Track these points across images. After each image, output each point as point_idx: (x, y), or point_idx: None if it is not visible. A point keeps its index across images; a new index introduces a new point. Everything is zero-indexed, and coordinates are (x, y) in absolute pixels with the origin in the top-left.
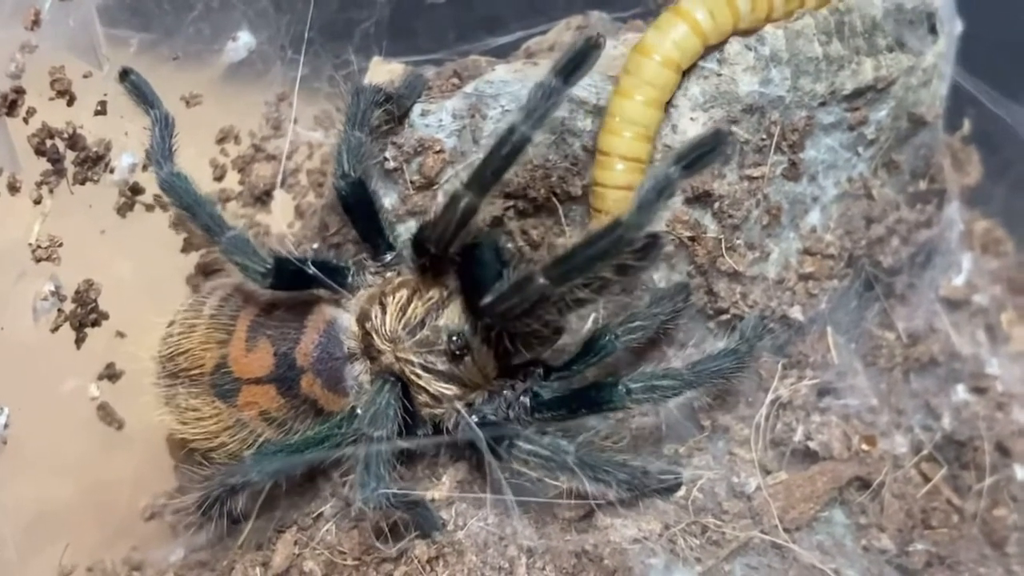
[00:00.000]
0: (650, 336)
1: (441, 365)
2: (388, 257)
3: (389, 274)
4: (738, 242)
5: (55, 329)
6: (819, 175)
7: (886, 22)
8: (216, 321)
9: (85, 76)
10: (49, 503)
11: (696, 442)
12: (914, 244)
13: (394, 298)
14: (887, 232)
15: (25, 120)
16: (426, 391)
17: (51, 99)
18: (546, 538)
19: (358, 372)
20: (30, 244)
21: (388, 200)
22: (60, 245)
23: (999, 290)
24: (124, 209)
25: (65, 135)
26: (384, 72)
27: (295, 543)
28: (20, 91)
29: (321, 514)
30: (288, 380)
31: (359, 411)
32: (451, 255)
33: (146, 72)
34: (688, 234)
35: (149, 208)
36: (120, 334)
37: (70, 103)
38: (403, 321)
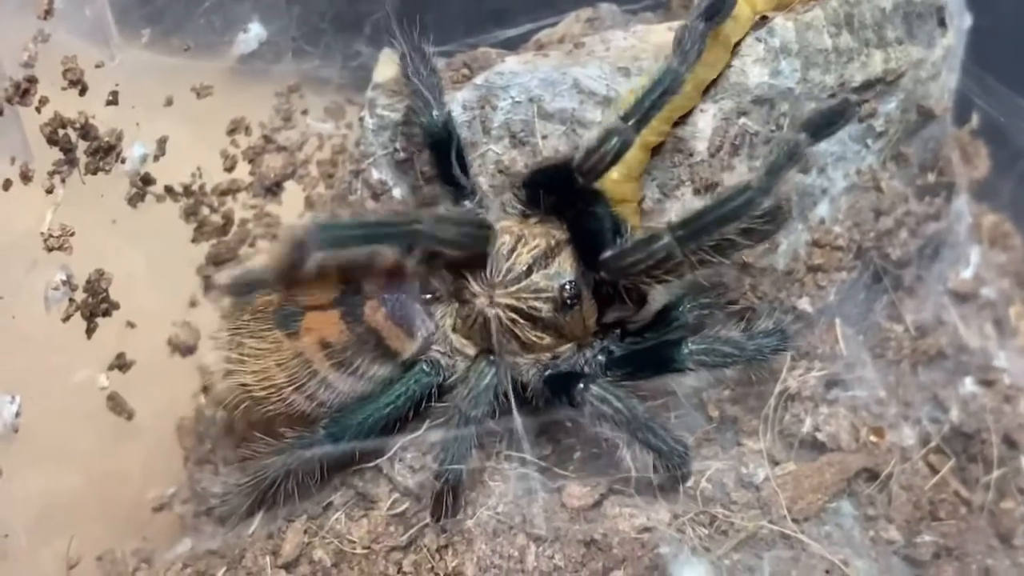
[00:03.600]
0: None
1: (546, 312)
2: (467, 204)
3: None
4: None
5: (66, 319)
6: (828, 167)
7: (895, 15)
8: None
9: (97, 66)
10: (59, 493)
11: (705, 433)
12: (922, 237)
13: (494, 245)
14: (896, 224)
15: (38, 109)
16: (517, 339)
17: (63, 89)
18: (555, 526)
19: (440, 314)
20: (42, 233)
21: (398, 191)
22: (72, 235)
23: (1007, 284)
24: (135, 199)
25: (77, 125)
26: (394, 64)
27: (305, 532)
28: (33, 80)
29: (331, 503)
30: (352, 306)
31: (425, 367)
32: (562, 205)
33: (157, 62)
34: None
35: (160, 198)
36: (130, 324)
37: (82, 93)
38: (507, 267)
